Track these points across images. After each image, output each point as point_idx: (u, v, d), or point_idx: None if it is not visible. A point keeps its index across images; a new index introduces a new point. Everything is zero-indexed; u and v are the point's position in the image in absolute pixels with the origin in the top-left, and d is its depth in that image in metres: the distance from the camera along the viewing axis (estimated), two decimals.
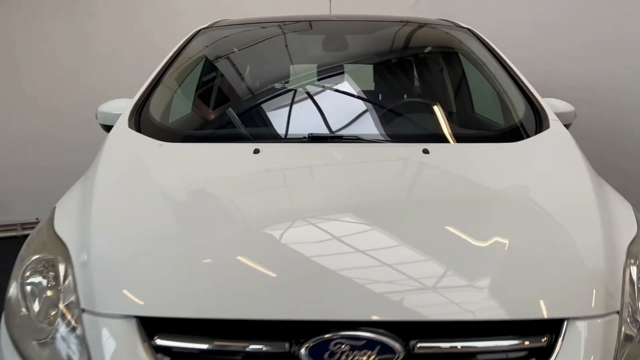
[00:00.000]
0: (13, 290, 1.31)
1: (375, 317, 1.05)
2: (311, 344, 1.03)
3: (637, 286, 1.21)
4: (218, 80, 2.31)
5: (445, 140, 1.80)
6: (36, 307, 1.25)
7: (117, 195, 1.50)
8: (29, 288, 1.30)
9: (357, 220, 1.32)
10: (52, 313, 1.21)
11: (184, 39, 2.60)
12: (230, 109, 2.11)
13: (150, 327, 1.09)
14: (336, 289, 1.10)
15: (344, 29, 2.59)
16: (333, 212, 1.35)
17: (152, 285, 1.16)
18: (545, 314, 1.08)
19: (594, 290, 1.13)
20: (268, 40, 2.50)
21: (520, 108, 2.02)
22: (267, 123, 1.97)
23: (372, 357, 1.02)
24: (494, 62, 2.31)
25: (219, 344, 1.06)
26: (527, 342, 1.06)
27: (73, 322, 1.15)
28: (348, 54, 2.50)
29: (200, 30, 2.67)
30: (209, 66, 2.40)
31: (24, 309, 1.27)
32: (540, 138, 1.78)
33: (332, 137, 1.79)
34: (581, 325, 1.07)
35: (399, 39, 2.47)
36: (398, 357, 1.02)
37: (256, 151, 1.64)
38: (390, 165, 1.62)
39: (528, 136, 1.79)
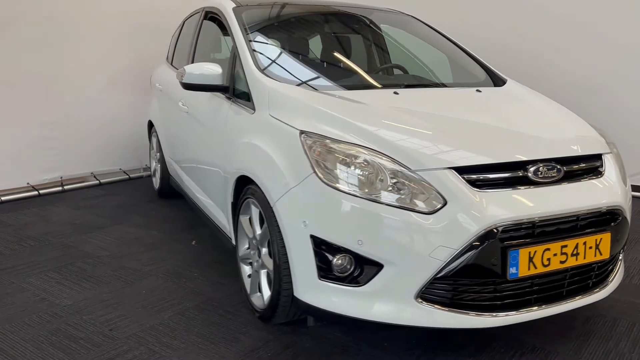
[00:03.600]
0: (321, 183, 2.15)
1: (551, 156, 2.27)
2: (531, 168, 2.21)
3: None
4: (314, 47, 3.18)
5: (474, 86, 3.07)
6: (366, 182, 2.13)
7: (357, 112, 2.40)
8: (346, 174, 2.16)
9: (488, 115, 2.58)
10: (382, 182, 2.11)
11: (230, 14, 3.30)
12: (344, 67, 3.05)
13: (457, 171, 2.13)
14: (533, 145, 2.31)
15: (346, 12, 3.67)
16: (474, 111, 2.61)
17: (456, 146, 2.19)
18: (601, 150, 2.45)
19: (606, 143, 2.55)
20: (309, 20, 3.45)
21: (480, 69, 3.40)
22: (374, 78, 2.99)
23: (554, 172, 2.24)
24: (443, 38, 3.66)
25: (495, 175, 2.16)
26: (596, 163, 2.42)
27: (409, 181, 2.09)
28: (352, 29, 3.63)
29: (236, 7, 3.39)
30: (293, 36, 3.24)
31: (348, 188, 2.13)
32: (510, 84, 3.18)
33: (417, 85, 2.95)
34: (608, 156, 2.48)
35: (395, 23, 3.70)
36: (561, 172, 2.26)
37: (395, 92, 2.69)
38: (468, 95, 2.86)
39: (503, 84, 3.17)
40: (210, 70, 2.96)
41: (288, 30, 3.39)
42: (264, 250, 2.57)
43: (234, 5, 3.40)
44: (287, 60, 3.08)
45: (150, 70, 5.34)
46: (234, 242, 2.96)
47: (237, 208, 2.80)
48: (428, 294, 2.09)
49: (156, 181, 4.97)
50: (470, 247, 2.02)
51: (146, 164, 5.82)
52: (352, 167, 2.15)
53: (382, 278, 2.10)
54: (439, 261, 2.02)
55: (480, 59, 3.48)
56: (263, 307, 2.57)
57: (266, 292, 2.58)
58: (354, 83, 2.97)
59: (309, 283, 2.23)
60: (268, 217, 2.40)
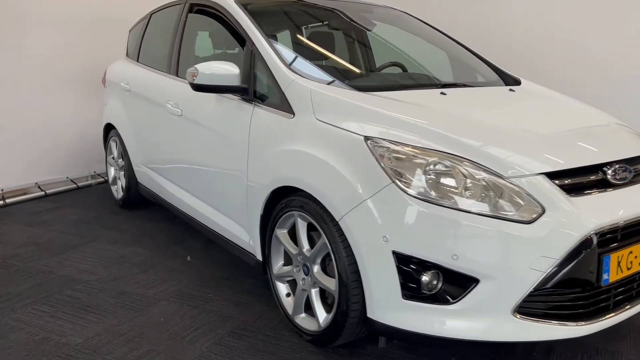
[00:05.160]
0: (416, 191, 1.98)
1: (625, 156, 2.22)
2: (609, 171, 2.15)
3: None
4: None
5: (503, 85, 3.01)
6: (451, 189, 1.98)
7: (423, 116, 2.24)
8: (430, 183, 2.00)
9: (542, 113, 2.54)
10: (472, 191, 1.97)
11: (235, 8, 3.01)
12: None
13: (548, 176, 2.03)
14: (605, 146, 2.25)
15: (355, 7, 3.49)
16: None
17: (540, 151, 2.09)
18: None
19: None
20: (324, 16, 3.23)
21: (489, 69, 3.35)
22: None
23: (627, 174, 2.19)
24: (447, 38, 3.59)
25: (580, 179, 2.08)
26: None
27: (503, 189, 1.95)
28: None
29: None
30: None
31: (434, 194, 1.97)
32: (526, 83, 3.15)
33: (453, 84, 2.84)
34: None
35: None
36: (631, 172, 2.22)
37: (443, 93, 2.57)
38: (510, 95, 2.79)
39: (517, 83, 3.14)
40: (226, 70, 2.69)
41: (302, 26, 3.16)
42: (316, 267, 2.36)
43: None
44: (313, 59, 2.85)
45: (99, 67, 4.87)
46: (258, 257, 2.71)
47: (270, 221, 2.55)
48: (523, 307, 1.98)
49: (117, 190, 4.52)
50: (570, 256, 1.93)
51: (95, 170, 5.31)
52: (437, 176, 2.00)
53: (478, 294, 1.96)
54: (540, 272, 1.92)
55: (486, 58, 3.43)
56: (318, 330, 2.36)
57: (321, 313, 2.37)
58: (392, 83, 2.80)
59: (391, 303, 2.06)
60: (329, 232, 2.20)
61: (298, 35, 3.07)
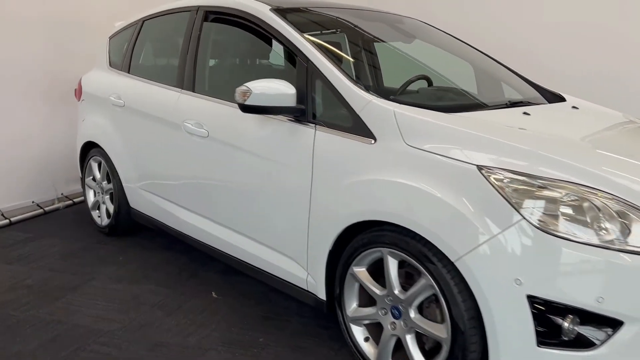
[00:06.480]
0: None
1: None
2: None
3: None
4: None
5: (546, 101, 2.90)
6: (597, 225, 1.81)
7: (535, 142, 2.06)
8: (567, 214, 1.83)
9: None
10: (607, 222, 1.81)
11: (274, 18, 2.71)
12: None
13: None
14: None
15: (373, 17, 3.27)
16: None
17: None
18: None
19: None
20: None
21: (525, 85, 3.23)
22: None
23: None
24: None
25: None
26: None
27: None
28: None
29: (273, 8, 2.80)
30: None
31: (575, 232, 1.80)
32: (574, 99, 3.06)
33: (520, 102, 2.68)
34: None
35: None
36: None
37: (525, 113, 2.41)
38: (575, 112, 2.72)
39: (562, 100, 3.04)
40: (280, 90, 2.41)
41: (349, 40, 2.89)
42: (412, 312, 2.13)
43: (270, 7, 2.80)
44: (375, 76, 2.60)
45: (64, 77, 4.38)
46: (321, 297, 2.45)
47: (343, 258, 2.30)
48: None
49: (101, 216, 4.04)
50: None
51: (62, 192, 4.77)
52: (571, 209, 1.82)
53: (622, 336, 1.82)
54: None
55: (519, 73, 3.32)
56: None
57: None
58: (465, 102, 2.61)
59: (522, 352, 1.87)
60: (438, 273, 1.98)
61: (356, 50, 2.80)
